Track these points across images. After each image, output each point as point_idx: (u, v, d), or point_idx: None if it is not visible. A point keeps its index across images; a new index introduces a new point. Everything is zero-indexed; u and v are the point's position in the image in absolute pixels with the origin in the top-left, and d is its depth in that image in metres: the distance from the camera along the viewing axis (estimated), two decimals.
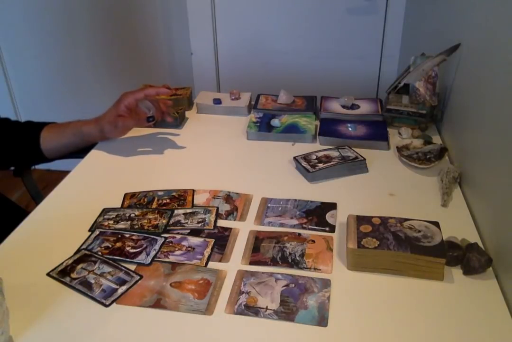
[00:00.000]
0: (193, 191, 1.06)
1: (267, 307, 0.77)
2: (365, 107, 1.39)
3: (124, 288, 0.80)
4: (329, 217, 0.98)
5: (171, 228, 0.95)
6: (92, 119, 1.21)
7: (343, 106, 1.40)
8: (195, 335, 0.72)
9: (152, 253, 0.88)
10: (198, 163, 1.20)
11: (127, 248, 0.89)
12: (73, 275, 0.82)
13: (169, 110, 1.27)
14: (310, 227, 0.95)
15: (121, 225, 0.95)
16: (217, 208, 1.00)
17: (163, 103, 1.25)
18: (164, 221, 0.96)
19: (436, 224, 0.87)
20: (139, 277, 0.82)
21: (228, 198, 1.04)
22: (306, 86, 1.84)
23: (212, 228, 0.95)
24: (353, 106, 1.40)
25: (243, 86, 1.64)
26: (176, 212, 0.99)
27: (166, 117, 1.26)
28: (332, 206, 1.01)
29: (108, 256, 0.87)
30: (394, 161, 1.19)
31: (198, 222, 0.96)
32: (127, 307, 0.77)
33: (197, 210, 1.00)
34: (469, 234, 0.92)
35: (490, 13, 1.03)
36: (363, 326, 0.74)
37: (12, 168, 1.31)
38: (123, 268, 0.84)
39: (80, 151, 1.24)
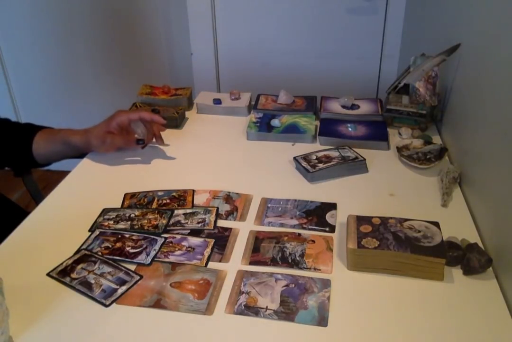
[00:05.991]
0: (193, 191, 1.06)
1: (267, 307, 0.77)
2: (365, 107, 1.39)
3: (124, 288, 0.80)
4: (329, 217, 0.98)
5: (171, 228, 0.95)
6: (81, 130, 1.17)
7: (343, 106, 1.40)
8: (195, 335, 0.72)
9: (152, 253, 0.88)
10: (198, 163, 1.20)
11: (127, 248, 0.89)
12: (73, 275, 0.82)
13: (161, 135, 1.23)
14: (310, 227, 0.95)
15: (121, 225, 0.95)
16: (217, 208, 1.00)
17: (157, 128, 1.21)
18: (164, 221, 0.96)
19: (436, 224, 0.87)
20: (139, 277, 0.82)
21: (228, 198, 1.04)
22: (306, 86, 1.84)
23: (212, 228, 0.95)
24: (353, 106, 1.40)
25: (243, 86, 1.64)
26: (176, 212, 0.99)
27: (157, 142, 1.23)
28: (332, 206, 1.01)
29: (108, 256, 0.87)
30: (394, 161, 1.19)
31: (198, 222, 0.96)
32: (127, 307, 0.77)
33: (197, 210, 1.00)
34: (469, 234, 0.92)
35: (490, 14, 1.03)
36: (363, 326, 0.74)
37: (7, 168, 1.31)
38: (123, 268, 0.84)
39: (74, 157, 1.22)
